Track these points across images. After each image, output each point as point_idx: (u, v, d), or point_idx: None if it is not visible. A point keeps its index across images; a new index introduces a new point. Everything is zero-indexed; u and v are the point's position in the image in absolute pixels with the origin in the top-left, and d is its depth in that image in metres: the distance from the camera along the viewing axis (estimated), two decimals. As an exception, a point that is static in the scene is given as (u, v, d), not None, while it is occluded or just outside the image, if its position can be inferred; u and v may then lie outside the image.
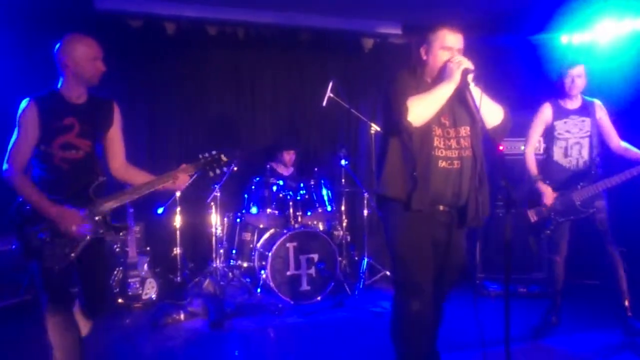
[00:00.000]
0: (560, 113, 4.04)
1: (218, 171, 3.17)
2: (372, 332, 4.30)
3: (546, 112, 4.06)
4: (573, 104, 4.03)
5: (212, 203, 5.41)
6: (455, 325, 3.86)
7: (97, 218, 2.84)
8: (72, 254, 2.77)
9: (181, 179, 3.03)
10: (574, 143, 4.00)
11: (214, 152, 3.16)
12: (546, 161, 4.11)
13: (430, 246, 2.81)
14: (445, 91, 2.66)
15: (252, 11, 5.80)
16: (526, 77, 5.86)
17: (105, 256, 3.15)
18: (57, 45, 2.86)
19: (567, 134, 4.01)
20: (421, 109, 2.65)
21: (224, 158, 3.16)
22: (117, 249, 5.07)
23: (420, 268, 2.77)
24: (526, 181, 4.17)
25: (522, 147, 4.23)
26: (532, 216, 4.04)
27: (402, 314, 2.83)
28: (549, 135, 4.07)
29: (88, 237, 2.79)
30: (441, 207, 2.82)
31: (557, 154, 4.03)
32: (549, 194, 3.94)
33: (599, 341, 3.94)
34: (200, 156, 3.14)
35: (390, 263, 3.02)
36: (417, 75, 2.86)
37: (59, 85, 2.87)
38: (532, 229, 4.07)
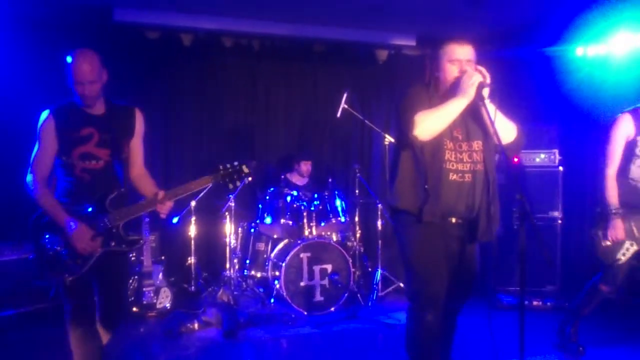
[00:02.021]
0: None
1: (238, 183, 2.98)
2: (385, 344, 4.30)
3: (626, 125, 3.54)
4: None
5: (226, 213, 5.44)
6: (470, 338, 3.85)
7: (113, 230, 2.82)
8: (85, 267, 2.76)
9: (162, 207, 2.86)
10: None
11: (235, 163, 2.97)
12: (617, 179, 3.58)
13: (444, 259, 2.82)
14: (457, 107, 2.65)
15: (268, 23, 5.85)
16: (540, 90, 5.84)
17: (124, 269, 3.14)
18: None
19: None
20: (429, 124, 2.65)
21: (245, 170, 2.96)
22: (132, 258, 5.11)
23: (434, 280, 2.78)
24: (598, 203, 3.65)
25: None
26: (605, 241, 3.58)
27: (416, 326, 2.83)
28: (628, 151, 3.54)
29: (97, 253, 2.78)
30: (454, 220, 2.83)
31: (635, 173, 3.54)
32: (620, 231, 3.49)
33: (614, 356, 3.90)
34: (221, 167, 2.95)
35: (404, 275, 3.02)
36: (430, 89, 2.87)
37: None
38: (600, 256, 3.64)
